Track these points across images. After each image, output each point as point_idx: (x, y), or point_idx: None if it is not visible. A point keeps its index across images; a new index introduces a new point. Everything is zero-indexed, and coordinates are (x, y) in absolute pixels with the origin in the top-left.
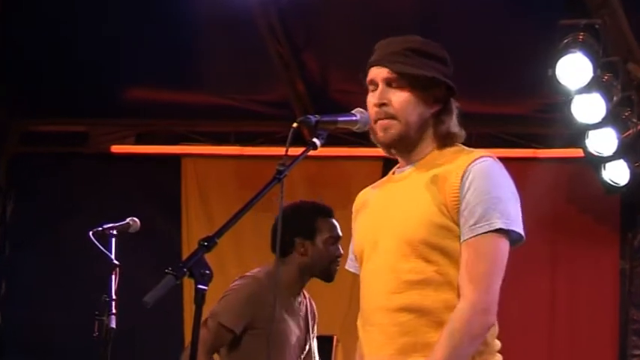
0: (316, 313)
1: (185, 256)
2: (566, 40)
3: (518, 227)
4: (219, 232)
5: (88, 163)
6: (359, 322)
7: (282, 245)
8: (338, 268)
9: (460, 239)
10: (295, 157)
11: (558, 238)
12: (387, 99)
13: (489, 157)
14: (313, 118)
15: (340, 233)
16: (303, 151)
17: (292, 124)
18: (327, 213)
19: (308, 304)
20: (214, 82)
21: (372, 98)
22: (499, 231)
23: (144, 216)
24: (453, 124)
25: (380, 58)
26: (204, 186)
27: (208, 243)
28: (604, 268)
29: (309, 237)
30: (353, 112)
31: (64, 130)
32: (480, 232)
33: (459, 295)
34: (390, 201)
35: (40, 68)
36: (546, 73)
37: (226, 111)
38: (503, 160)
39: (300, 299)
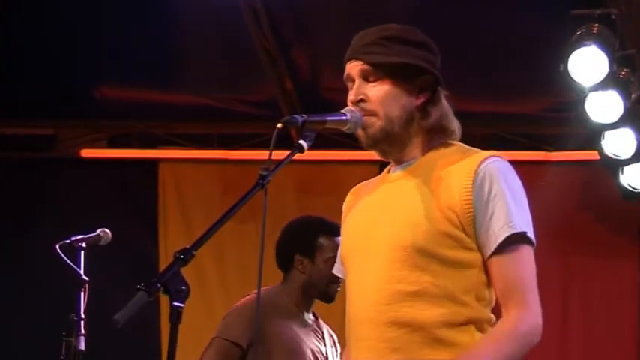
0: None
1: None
2: (579, 32)
3: (532, 234)
4: (197, 244)
5: (55, 168)
6: (347, 332)
7: (283, 261)
8: (338, 289)
9: (481, 251)
10: (280, 162)
11: (571, 250)
12: (363, 94)
13: (499, 157)
14: (300, 118)
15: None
16: (288, 155)
17: (277, 124)
18: (332, 231)
19: (318, 322)
20: (195, 80)
21: (349, 95)
22: (521, 235)
23: (117, 227)
24: (443, 117)
25: (353, 50)
26: (184, 193)
27: (185, 255)
28: (622, 282)
29: (308, 254)
30: (343, 111)
31: (30, 134)
32: (504, 236)
33: (460, 309)
34: (384, 202)
35: (3, 66)
36: (558, 68)
37: (208, 111)
38: (511, 164)
39: (313, 317)
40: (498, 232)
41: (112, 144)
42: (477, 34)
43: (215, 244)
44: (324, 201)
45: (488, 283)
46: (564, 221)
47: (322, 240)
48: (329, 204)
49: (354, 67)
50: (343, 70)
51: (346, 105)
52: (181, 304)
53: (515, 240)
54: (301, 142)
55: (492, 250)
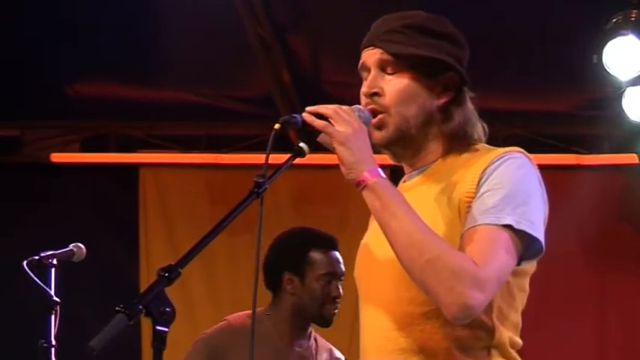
0: (336, 354)
1: (143, 289)
2: (615, 20)
3: (535, 231)
4: (184, 260)
5: (22, 175)
6: None
7: (271, 280)
8: (335, 311)
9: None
10: (278, 167)
11: (608, 267)
12: (378, 87)
13: (520, 152)
14: (300, 117)
15: (341, 269)
16: (288, 159)
17: (274, 124)
18: (325, 244)
19: (316, 347)
20: (178, 74)
21: (363, 87)
22: (507, 228)
23: (92, 241)
24: (466, 121)
25: (372, 37)
26: (168, 203)
27: (170, 273)
28: None
29: (298, 272)
30: (350, 108)
31: None
32: (483, 223)
33: (479, 333)
34: None
35: None
36: (591, 60)
37: (194, 109)
38: (539, 169)
39: (306, 344)
40: (473, 217)
41: (86, 147)
42: (497, 22)
43: (203, 259)
44: (326, 210)
45: (513, 301)
46: (600, 234)
47: (314, 255)
48: (331, 214)
49: (371, 56)
50: (355, 60)
51: (352, 101)
52: (166, 329)
53: (490, 228)
54: (302, 144)
55: (466, 227)
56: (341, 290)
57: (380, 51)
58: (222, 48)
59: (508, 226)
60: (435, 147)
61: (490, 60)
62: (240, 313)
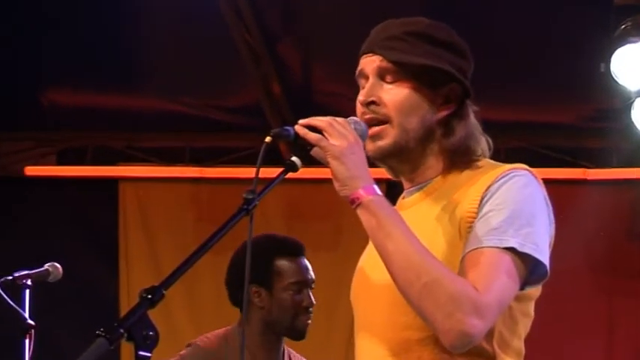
0: None
1: (124, 311)
2: (623, 26)
3: (539, 254)
4: (168, 281)
5: None
6: None
7: (236, 295)
8: (308, 322)
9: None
10: (269, 182)
11: (618, 288)
12: (376, 96)
13: (526, 170)
14: (292, 130)
15: (311, 276)
16: (280, 174)
17: (265, 137)
18: (291, 250)
19: None
20: (163, 83)
21: (359, 95)
22: (510, 251)
23: (69, 260)
24: (469, 136)
25: (371, 43)
26: (150, 219)
27: (153, 295)
28: None
29: (264, 283)
30: (346, 120)
31: None
32: (485, 246)
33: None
34: None
35: None
36: (598, 68)
37: (178, 120)
38: (544, 183)
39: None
40: (476, 239)
41: (63, 160)
42: (499, 29)
43: (186, 280)
44: (319, 227)
45: (515, 327)
46: (608, 252)
47: (280, 263)
48: (324, 230)
49: (369, 63)
50: (348, 69)
51: (346, 112)
52: (148, 354)
53: (493, 251)
54: (294, 159)
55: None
56: (313, 299)
57: (379, 58)
58: (208, 55)
59: (511, 249)
60: (434, 162)
61: (491, 68)
62: (208, 335)
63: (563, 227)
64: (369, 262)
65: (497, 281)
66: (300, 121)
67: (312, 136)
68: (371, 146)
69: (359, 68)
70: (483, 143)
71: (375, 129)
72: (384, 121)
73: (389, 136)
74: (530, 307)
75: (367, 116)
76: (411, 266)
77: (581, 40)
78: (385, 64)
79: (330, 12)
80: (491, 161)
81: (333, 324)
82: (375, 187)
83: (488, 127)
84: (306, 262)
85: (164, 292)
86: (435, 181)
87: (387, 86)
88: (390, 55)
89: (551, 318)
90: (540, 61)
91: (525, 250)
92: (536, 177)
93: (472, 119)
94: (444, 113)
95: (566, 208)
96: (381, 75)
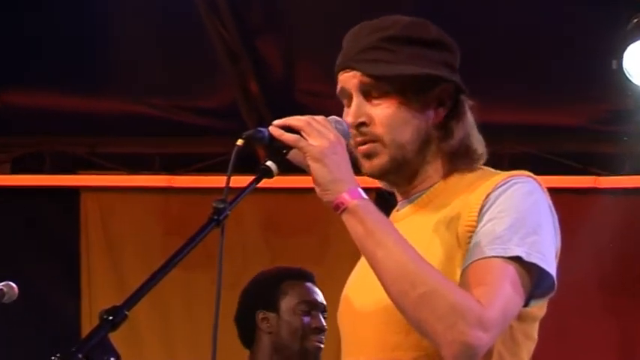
0: None
1: (84, 334)
2: (636, 20)
3: (547, 264)
4: (132, 300)
5: None
6: None
7: (246, 328)
8: (321, 345)
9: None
10: (242, 190)
11: (631, 307)
12: (366, 115)
13: (528, 176)
14: (267, 132)
15: (321, 300)
16: (253, 181)
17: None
18: (298, 275)
19: None
20: (129, 83)
21: (345, 116)
22: (515, 261)
23: (25, 278)
24: (467, 135)
25: (346, 57)
26: (114, 232)
27: (115, 317)
28: None
29: (271, 307)
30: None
31: None
32: (489, 256)
33: None
34: None
35: None
36: (609, 66)
37: (145, 124)
38: (552, 192)
39: None
40: (478, 249)
41: (18, 167)
42: (502, 25)
43: (155, 299)
44: (301, 241)
45: (517, 350)
46: (620, 269)
47: (285, 286)
48: (307, 245)
49: (349, 80)
50: (331, 64)
51: (331, 113)
52: None
53: (497, 261)
54: (269, 163)
55: (463, 266)
56: (324, 322)
57: (359, 74)
58: (179, 52)
59: (516, 259)
60: (434, 169)
61: (495, 67)
62: None
63: (572, 239)
64: (357, 280)
65: (501, 293)
66: (275, 122)
67: (288, 137)
68: (367, 165)
69: (339, 87)
70: (481, 141)
71: (368, 147)
72: (377, 139)
73: (385, 154)
74: (534, 329)
75: (359, 139)
76: (405, 275)
77: (591, 35)
78: (367, 79)
79: (314, 4)
80: (492, 169)
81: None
82: (360, 190)
83: (492, 130)
84: (316, 288)
85: (126, 312)
86: (435, 188)
87: (374, 102)
88: (370, 69)
89: (557, 337)
90: (545, 59)
91: (532, 260)
92: (539, 184)
93: (469, 117)
94: (440, 116)
95: (575, 218)
96: (365, 91)
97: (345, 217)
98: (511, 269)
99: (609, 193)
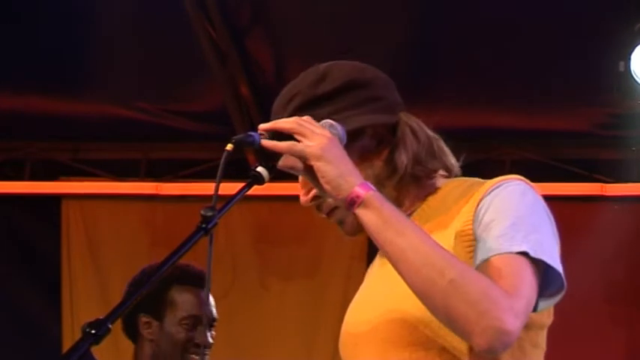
0: None
1: (66, 348)
2: None
3: (554, 262)
4: (115, 313)
5: None
6: None
7: (128, 325)
8: None
9: None
10: (231, 197)
11: (639, 318)
12: (313, 192)
13: (518, 179)
14: (257, 136)
15: (209, 313)
16: (242, 188)
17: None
18: (191, 281)
19: None
20: (114, 85)
21: (300, 196)
22: (524, 256)
23: (4, 289)
24: (415, 156)
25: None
26: (97, 242)
27: (97, 330)
28: None
29: (155, 314)
30: (319, 124)
31: None
32: (497, 253)
33: None
34: (382, 268)
35: None
36: (616, 68)
37: (131, 128)
38: (556, 200)
39: None
40: (481, 250)
41: None
42: (502, 23)
43: None
44: (293, 251)
45: (523, 354)
46: (628, 279)
47: (175, 294)
48: (299, 255)
49: (282, 160)
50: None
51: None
52: None
53: (505, 257)
54: (260, 169)
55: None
56: (210, 339)
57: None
58: (166, 53)
59: (524, 254)
60: (413, 195)
61: (494, 69)
62: None
63: (578, 250)
64: (363, 295)
65: (524, 282)
66: (262, 126)
67: (282, 146)
68: (344, 230)
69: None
70: (444, 154)
71: (333, 220)
72: (337, 207)
73: (350, 217)
74: (541, 337)
75: (322, 214)
76: (431, 263)
77: (595, 35)
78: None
79: (306, 2)
80: (479, 179)
81: (311, 357)
82: (368, 182)
83: (492, 135)
84: (207, 297)
85: (110, 326)
86: (423, 207)
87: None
88: None
89: (563, 352)
90: (548, 60)
91: (539, 257)
92: (532, 187)
93: (410, 138)
94: (383, 158)
95: (581, 228)
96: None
97: (360, 212)
98: (523, 261)
99: (616, 201)
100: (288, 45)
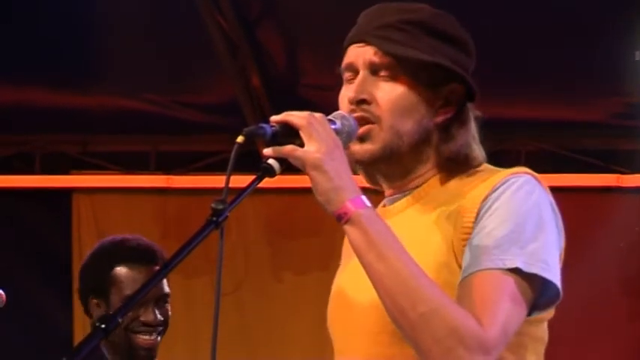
0: None
1: (77, 342)
2: None
3: (549, 273)
4: (125, 308)
5: None
6: None
7: (86, 311)
8: (150, 342)
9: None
10: (242, 190)
11: None
12: (368, 93)
13: (526, 173)
14: (269, 128)
15: (159, 289)
16: (254, 180)
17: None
18: (133, 257)
19: None
20: (123, 77)
21: (346, 91)
22: (515, 272)
23: (14, 285)
24: (468, 143)
25: (362, 31)
26: (108, 235)
27: (107, 324)
28: None
29: (102, 295)
30: (330, 117)
31: None
32: (486, 268)
33: None
34: None
35: None
36: (632, 57)
37: (141, 120)
38: (571, 191)
39: None
40: (475, 261)
41: (6, 168)
42: (516, 12)
43: None
44: (306, 244)
45: (524, 353)
46: None
47: (118, 271)
48: (312, 247)
49: (360, 54)
50: (336, 57)
51: (336, 108)
52: None
53: (495, 273)
54: (271, 161)
55: (460, 279)
56: (158, 315)
57: (373, 49)
58: (175, 43)
59: (516, 270)
60: (427, 169)
61: (508, 59)
62: None
63: (594, 242)
64: (349, 281)
65: (501, 310)
66: (273, 118)
67: (283, 151)
68: (358, 149)
69: (346, 60)
70: (481, 151)
71: (362, 129)
72: (376, 121)
73: (379, 139)
74: (541, 330)
75: (356, 114)
76: (405, 292)
77: (612, 23)
78: (380, 57)
79: None
80: (491, 166)
81: (325, 351)
82: (364, 198)
83: (506, 126)
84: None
85: (120, 320)
86: (427, 185)
87: (380, 82)
88: (386, 46)
89: (580, 346)
90: (562, 49)
91: (532, 270)
92: (540, 181)
93: (473, 126)
94: (442, 117)
95: (597, 220)
96: (374, 69)
97: (347, 228)
98: (511, 282)
99: (633, 192)
100: (300, 35)
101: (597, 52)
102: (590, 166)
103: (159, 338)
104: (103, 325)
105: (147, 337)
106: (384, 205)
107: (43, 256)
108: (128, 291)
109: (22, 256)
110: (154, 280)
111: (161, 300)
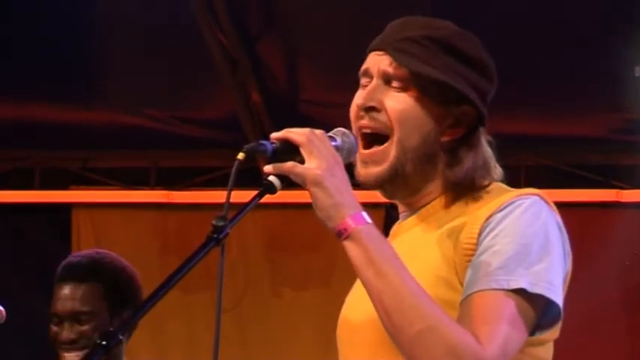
0: None
1: None
2: None
3: (554, 294)
4: (126, 324)
5: None
6: None
7: None
8: (72, 356)
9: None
10: (243, 206)
11: None
12: (378, 101)
13: (536, 195)
14: (269, 145)
15: (63, 307)
16: (255, 196)
17: (238, 154)
18: (61, 274)
19: None
20: (123, 93)
21: (357, 97)
22: (518, 293)
23: (14, 300)
24: (476, 167)
25: (384, 40)
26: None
27: (108, 341)
28: None
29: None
30: (331, 133)
31: None
32: (489, 288)
33: None
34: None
35: None
36: (632, 72)
37: (140, 136)
38: (571, 207)
39: None
40: (477, 280)
41: (6, 183)
42: (515, 24)
43: (152, 322)
44: (307, 260)
45: None
46: None
47: (55, 288)
48: (313, 264)
49: (378, 62)
50: (337, 73)
51: (337, 124)
52: None
53: (499, 294)
54: (272, 178)
55: (461, 298)
56: (71, 334)
57: (389, 60)
58: (175, 59)
59: (520, 291)
60: (433, 188)
61: (510, 75)
62: None
63: (595, 257)
64: (355, 293)
65: (502, 330)
66: (274, 135)
67: (283, 168)
68: (362, 172)
69: (365, 65)
70: (494, 174)
71: (373, 151)
72: (382, 133)
73: (387, 160)
74: (543, 351)
75: (363, 121)
76: (402, 310)
77: (612, 38)
78: (394, 67)
79: (319, 6)
80: (502, 185)
81: None
82: (364, 214)
83: (507, 141)
84: (70, 289)
85: (120, 337)
86: (433, 204)
87: (391, 92)
88: (401, 58)
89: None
90: (563, 65)
91: (537, 291)
92: (547, 202)
93: (484, 148)
94: (450, 137)
95: (597, 235)
96: (387, 79)
97: (346, 244)
98: (513, 303)
99: (633, 208)
100: (300, 51)
101: (597, 67)
102: (590, 181)
103: (80, 353)
104: (104, 342)
105: (67, 354)
106: (400, 223)
107: (43, 270)
108: (52, 309)
109: (23, 271)
110: (159, 294)
111: (73, 319)
